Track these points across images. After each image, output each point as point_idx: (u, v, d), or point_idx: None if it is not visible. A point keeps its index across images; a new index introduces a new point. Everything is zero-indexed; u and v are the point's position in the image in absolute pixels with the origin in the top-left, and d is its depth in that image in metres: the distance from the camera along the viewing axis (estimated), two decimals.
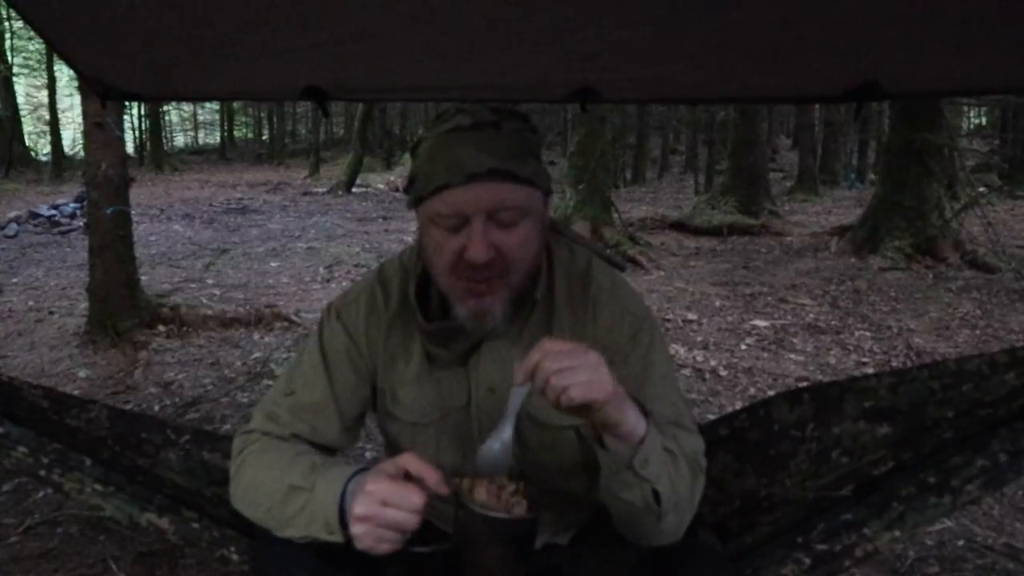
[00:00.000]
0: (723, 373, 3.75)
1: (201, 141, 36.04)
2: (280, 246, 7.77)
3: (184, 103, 26.56)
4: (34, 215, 9.12)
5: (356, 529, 0.89)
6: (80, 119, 4.46)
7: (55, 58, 11.28)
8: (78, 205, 9.18)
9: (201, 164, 22.56)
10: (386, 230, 9.14)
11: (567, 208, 7.77)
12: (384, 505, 0.88)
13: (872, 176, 13.75)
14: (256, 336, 4.40)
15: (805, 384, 2.70)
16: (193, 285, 5.89)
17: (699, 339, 4.37)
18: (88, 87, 1.96)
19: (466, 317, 1.04)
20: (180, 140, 36.72)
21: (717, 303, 5.32)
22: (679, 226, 9.17)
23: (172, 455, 1.54)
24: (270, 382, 3.53)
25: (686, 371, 3.76)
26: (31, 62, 21.30)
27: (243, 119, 33.36)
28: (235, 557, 1.20)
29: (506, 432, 0.95)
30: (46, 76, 19.16)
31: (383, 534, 0.88)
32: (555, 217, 1.31)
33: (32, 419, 1.44)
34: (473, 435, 1.13)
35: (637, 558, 1.03)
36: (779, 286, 5.89)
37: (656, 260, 6.97)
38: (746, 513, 1.43)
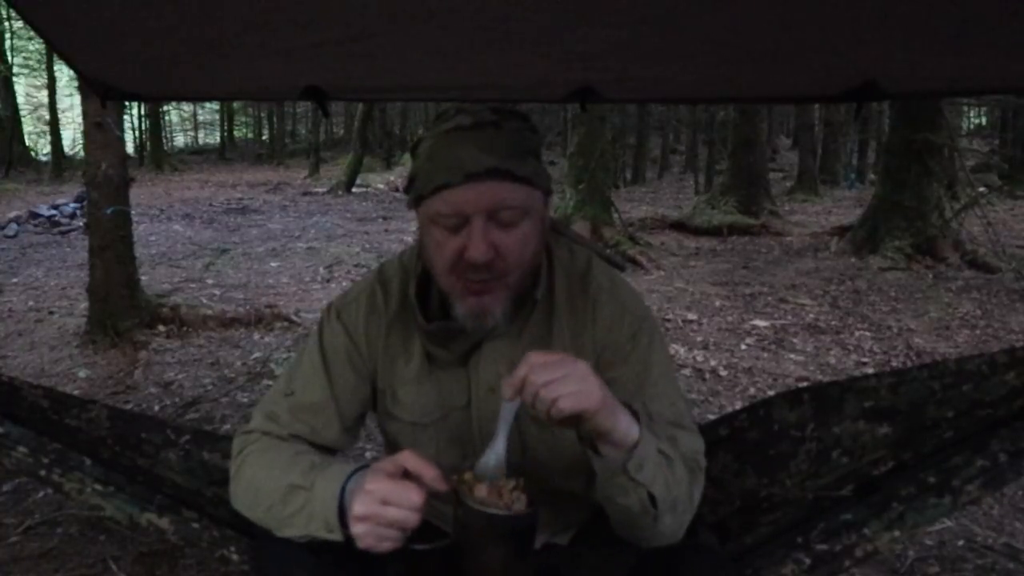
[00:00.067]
0: (723, 373, 3.75)
1: (201, 141, 36.05)
2: (280, 246, 7.77)
3: (184, 103, 26.56)
4: (34, 215, 9.12)
5: (357, 529, 0.89)
6: (80, 119, 4.46)
7: (55, 58, 11.28)
8: (78, 205, 9.18)
9: (201, 164, 22.55)
10: (386, 230, 9.14)
11: (567, 208, 7.77)
12: (384, 504, 0.88)
13: (872, 176, 13.75)
14: (256, 336, 4.40)
15: (805, 384, 2.71)
16: (193, 285, 5.89)
17: (699, 339, 4.37)
18: (88, 87, 1.97)
19: (466, 316, 1.04)
20: (180, 140, 36.74)
21: (717, 303, 5.32)
22: (679, 226, 9.17)
23: (172, 455, 1.54)
24: (270, 382, 3.53)
25: (686, 371, 3.76)
26: (31, 62, 21.31)
27: (243, 119, 33.36)
28: (235, 557, 1.20)
29: (499, 446, 0.95)
30: (46, 76, 19.16)
31: (384, 533, 0.88)
32: (555, 217, 1.31)
33: (32, 419, 1.44)
34: (473, 435, 1.13)
35: (637, 558, 1.03)
36: (779, 286, 5.89)
37: (656, 260, 6.96)
38: (746, 513, 1.43)
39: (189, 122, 36.65)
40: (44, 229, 8.75)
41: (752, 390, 3.50)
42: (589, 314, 1.13)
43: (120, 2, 1.21)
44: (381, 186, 14.51)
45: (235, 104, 27.96)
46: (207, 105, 31.82)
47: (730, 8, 1.22)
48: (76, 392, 3.29)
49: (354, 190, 13.95)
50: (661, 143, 21.41)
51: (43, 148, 23.31)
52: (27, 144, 21.29)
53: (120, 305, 4.22)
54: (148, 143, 21.65)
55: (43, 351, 4.12)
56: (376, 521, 0.88)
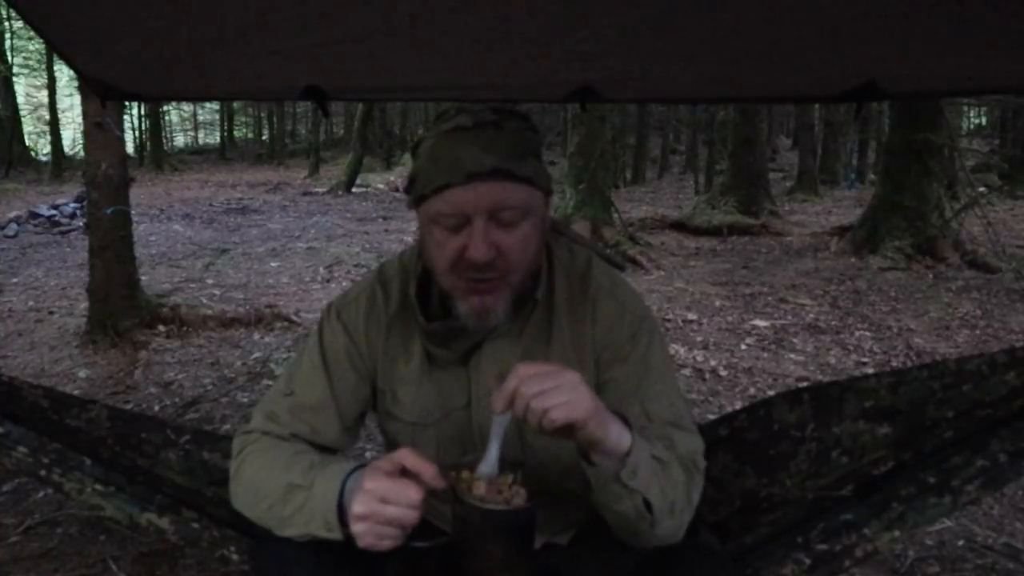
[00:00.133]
0: (723, 373, 3.75)
1: (201, 141, 36.05)
2: (280, 246, 7.77)
3: (184, 103, 26.56)
4: (34, 215, 9.12)
5: (356, 527, 0.89)
6: (80, 119, 4.46)
7: (55, 58, 11.28)
8: (78, 205, 9.18)
9: (201, 164, 22.55)
10: (386, 230, 9.14)
11: (567, 208, 7.77)
12: (383, 502, 0.88)
13: (872, 176, 13.74)
14: (256, 336, 4.40)
15: (805, 384, 2.71)
16: (193, 285, 5.89)
17: (699, 339, 4.37)
18: (88, 87, 1.97)
19: (468, 315, 1.04)
20: (180, 140, 36.74)
21: (717, 303, 5.32)
22: (679, 226, 9.17)
23: (172, 455, 1.54)
24: (270, 382, 3.53)
25: (686, 371, 3.76)
26: (31, 62, 21.31)
27: (243, 119, 33.36)
28: (235, 557, 1.20)
29: (492, 456, 0.95)
30: (46, 76, 19.16)
31: (383, 531, 0.88)
32: (555, 217, 1.31)
33: (32, 419, 1.44)
34: (473, 435, 1.13)
35: (637, 558, 1.03)
36: (779, 286, 5.89)
37: (656, 260, 6.96)
38: (746, 513, 1.43)
39: (189, 122, 36.65)
40: (44, 229, 8.75)
41: (752, 390, 3.50)
42: (589, 314, 1.13)
43: (120, 2, 1.21)
44: (381, 186, 14.51)
45: (235, 104, 27.96)
46: (207, 105, 31.82)
47: (730, 8, 1.22)
48: (76, 392, 3.29)
49: (354, 190, 13.95)
50: (661, 143, 21.41)
51: (43, 148, 23.33)
52: (27, 144, 21.30)
53: (120, 305, 4.22)
54: (148, 143, 21.64)
55: (43, 351, 4.12)
56: (375, 519, 0.88)
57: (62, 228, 8.72)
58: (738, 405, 3.00)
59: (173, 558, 2.00)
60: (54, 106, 18.66)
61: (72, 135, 22.31)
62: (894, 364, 3.93)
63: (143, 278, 4.71)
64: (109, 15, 1.27)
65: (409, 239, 8.07)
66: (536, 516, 0.95)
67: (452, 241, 1.00)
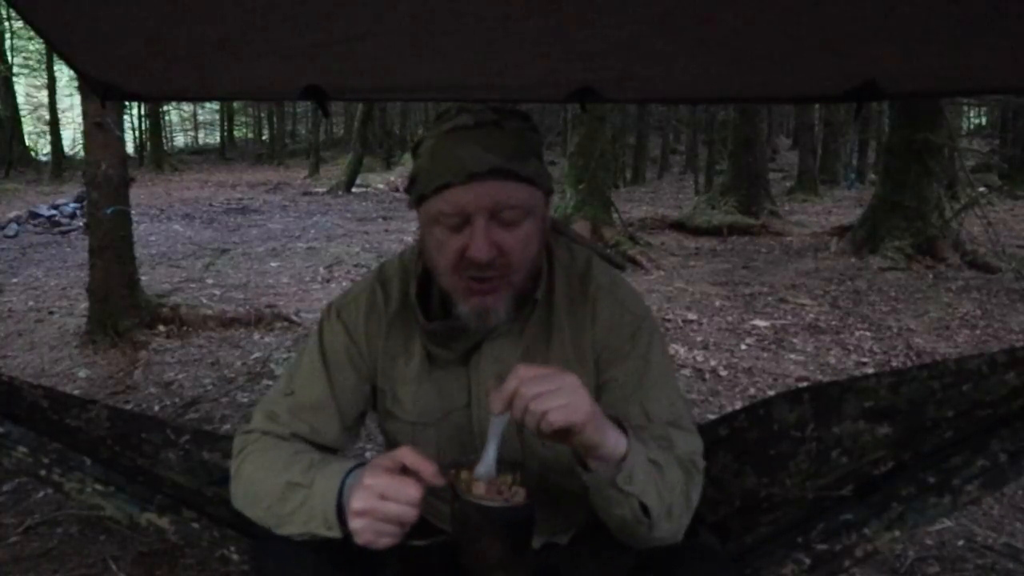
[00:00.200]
0: (723, 373, 3.75)
1: (201, 141, 36.06)
2: (280, 246, 7.77)
3: (184, 103, 26.56)
4: (34, 215, 9.13)
5: (355, 524, 0.89)
6: (80, 119, 4.46)
7: (55, 58, 11.28)
8: (78, 205, 9.19)
9: (201, 164, 22.55)
10: (386, 230, 9.14)
11: (567, 208, 7.77)
12: (382, 499, 0.88)
13: (872, 176, 13.75)
14: (256, 336, 4.40)
15: (805, 384, 2.70)
16: (193, 285, 5.89)
17: (699, 339, 4.37)
18: (88, 87, 1.96)
19: (469, 315, 1.04)
20: (180, 140, 36.75)
21: (717, 303, 5.32)
22: (679, 226, 9.17)
23: (172, 455, 1.54)
24: (270, 382, 3.53)
25: (686, 371, 3.76)
26: (31, 62, 21.32)
27: (243, 119, 33.37)
28: (235, 557, 1.20)
29: (489, 457, 0.95)
30: (46, 76, 19.16)
31: (382, 528, 0.88)
32: (555, 217, 1.31)
33: (32, 419, 1.44)
34: (473, 435, 1.13)
35: (637, 558, 1.03)
36: (779, 286, 5.89)
37: (656, 260, 6.97)
38: (746, 513, 1.43)
39: (189, 122, 36.66)
40: (44, 229, 8.75)
41: (752, 390, 3.50)
42: (589, 314, 1.13)
43: (120, 2, 1.21)
44: (381, 186, 14.51)
45: (235, 104, 27.97)
46: (207, 105, 31.83)
47: (730, 8, 1.22)
48: (76, 392, 3.29)
49: (354, 190, 13.95)
50: (661, 143, 21.41)
51: (43, 148, 23.33)
52: (27, 144, 21.30)
53: (120, 305, 4.22)
54: (148, 143, 21.65)
55: (43, 351, 4.12)
56: (374, 516, 0.88)
57: (62, 228, 8.73)
58: (738, 405, 3.00)
59: (173, 558, 2.00)
60: (54, 106, 18.66)
61: (72, 135, 22.33)
62: (894, 364, 3.93)
63: (143, 278, 4.71)
64: (109, 15, 1.27)
65: (409, 239, 8.07)
66: (535, 514, 0.95)
67: (453, 241, 1.00)
